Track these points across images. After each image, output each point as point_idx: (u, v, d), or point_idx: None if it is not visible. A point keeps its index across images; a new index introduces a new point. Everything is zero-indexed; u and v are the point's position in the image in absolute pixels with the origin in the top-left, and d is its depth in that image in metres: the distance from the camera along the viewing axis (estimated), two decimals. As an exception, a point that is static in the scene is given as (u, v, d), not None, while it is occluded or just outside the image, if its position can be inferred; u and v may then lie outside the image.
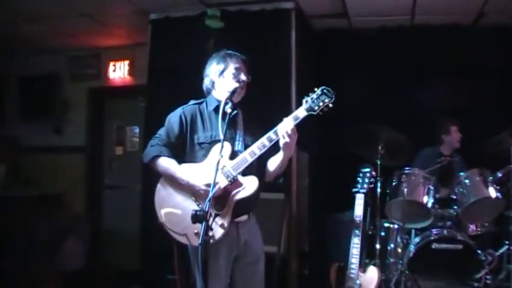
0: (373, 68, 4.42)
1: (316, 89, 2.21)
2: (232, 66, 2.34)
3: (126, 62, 5.18)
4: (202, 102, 2.41)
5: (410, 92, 4.37)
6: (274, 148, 2.26)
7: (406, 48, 4.36)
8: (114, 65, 5.24)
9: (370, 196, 3.37)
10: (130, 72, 5.17)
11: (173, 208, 2.26)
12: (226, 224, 2.19)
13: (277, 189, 3.59)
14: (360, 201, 3.13)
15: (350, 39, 4.54)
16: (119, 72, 5.22)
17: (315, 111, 2.18)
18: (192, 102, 2.42)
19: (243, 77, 2.33)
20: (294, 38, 3.94)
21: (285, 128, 2.16)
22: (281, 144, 2.21)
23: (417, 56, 4.34)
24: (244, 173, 2.23)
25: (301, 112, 2.19)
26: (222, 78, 2.36)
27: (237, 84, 2.29)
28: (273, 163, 2.37)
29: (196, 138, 2.32)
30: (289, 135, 2.16)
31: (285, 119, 2.19)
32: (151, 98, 4.22)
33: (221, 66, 2.36)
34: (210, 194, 1.95)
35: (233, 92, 2.25)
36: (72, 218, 4.86)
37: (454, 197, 3.50)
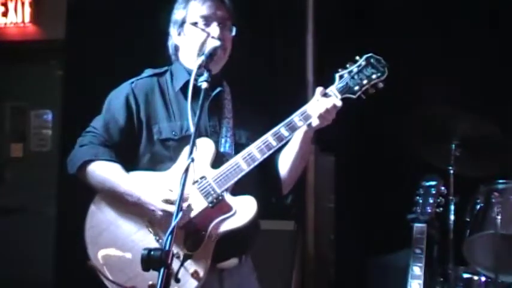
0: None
1: (358, 58, 2.27)
2: (196, 13, 2.37)
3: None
4: (165, 72, 2.48)
5: (500, 62, 4.41)
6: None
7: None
8: (3, 4, 5.22)
9: (437, 227, 3.43)
10: (34, 18, 5.16)
11: (115, 244, 2.30)
12: (202, 273, 2.21)
13: (284, 215, 3.65)
14: (420, 235, 3.18)
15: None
16: (13, 16, 5.21)
17: (354, 93, 2.26)
18: (147, 72, 2.48)
19: (215, 30, 2.34)
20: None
21: (323, 105, 2.20)
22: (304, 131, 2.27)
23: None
24: (236, 189, 2.27)
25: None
26: (182, 36, 2.41)
27: (217, 43, 2.31)
28: (286, 161, 2.41)
29: (157, 131, 2.36)
30: (323, 117, 2.21)
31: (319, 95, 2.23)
32: (73, 64, 4.26)
33: (180, 14, 2.41)
34: (173, 222, 1.96)
35: (211, 55, 2.25)
36: None
37: None
